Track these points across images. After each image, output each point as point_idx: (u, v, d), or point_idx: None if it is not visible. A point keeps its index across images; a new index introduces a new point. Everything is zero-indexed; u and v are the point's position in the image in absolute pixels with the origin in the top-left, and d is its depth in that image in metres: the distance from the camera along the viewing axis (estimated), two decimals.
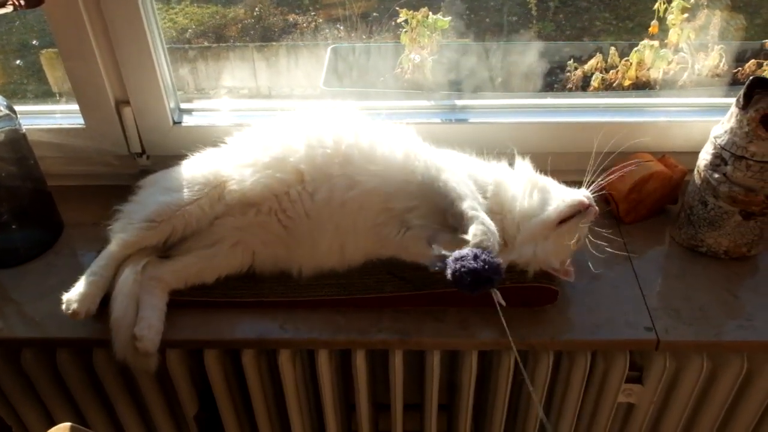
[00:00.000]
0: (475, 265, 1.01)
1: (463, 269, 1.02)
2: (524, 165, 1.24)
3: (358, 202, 1.19)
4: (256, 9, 1.87)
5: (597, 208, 1.16)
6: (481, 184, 1.19)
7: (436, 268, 1.08)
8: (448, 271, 1.04)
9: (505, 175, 1.22)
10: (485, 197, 1.18)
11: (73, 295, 1.13)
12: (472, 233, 1.05)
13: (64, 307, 1.12)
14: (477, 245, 1.04)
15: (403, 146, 1.23)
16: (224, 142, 1.32)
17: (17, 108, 1.29)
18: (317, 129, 1.23)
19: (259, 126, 1.31)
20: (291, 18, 1.87)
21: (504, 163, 1.27)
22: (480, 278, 1.01)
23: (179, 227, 1.21)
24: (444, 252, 1.07)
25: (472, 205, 1.10)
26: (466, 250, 1.04)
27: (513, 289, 1.16)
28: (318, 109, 1.30)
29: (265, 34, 1.88)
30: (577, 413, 1.35)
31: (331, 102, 1.59)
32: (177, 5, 1.83)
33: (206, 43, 1.88)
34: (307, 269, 1.23)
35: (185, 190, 1.21)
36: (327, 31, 1.85)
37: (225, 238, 1.22)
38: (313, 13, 1.85)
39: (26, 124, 1.32)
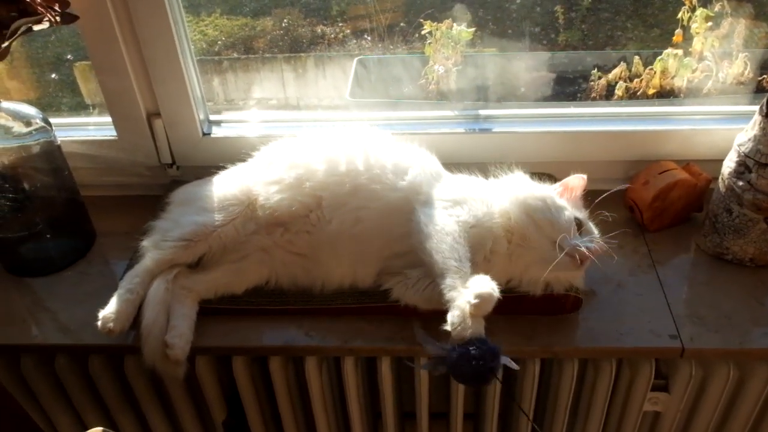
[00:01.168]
0: (469, 369, 0.99)
1: (460, 377, 1.01)
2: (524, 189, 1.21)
3: (363, 237, 1.20)
4: (285, 20, 1.90)
5: (589, 258, 1.11)
6: (489, 210, 1.18)
7: (435, 371, 1.06)
8: (451, 374, 1.03)
9: (507, 203, 1.19)
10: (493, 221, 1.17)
11: (109, 314, 1.15)
12: (449, 322, 1.03)
13: (100, 324, 1.15)
14: (454, 339, 1.02)
15: (409, 185, 1.21)
16: (252, 155, 1.34)
17: (52, 120, 1.32)
18: (334, 153, 1.25)
19: (286, 141, 1.33)
20: (319, 29, 1.90)
21: (514, 177, 1.25)
22: (481, 377, 1.00)
23: (215, 247, 1.23)
24: (434, 350, 1.06)
25: (451, 284, 1.05)
26: (455, 352, 1.01)
27: (538, 297, 1.17)
28: (341, 130, 1.31)
29: (293, 46, 1.90)
30: (603, 422, 1.35)
31: (357, 115, 1.63)
32: (207, 17, 1.87)
33: (235, 55, 1.92)
34: (328, 286, 1.24)
35: (220, 211, 1.23)
36: (354, 42, 1.88)
37: (252, 254, 1.25)
38: (340, 24, 1.88)
39: (61, 136, 1.36)
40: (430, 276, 1.13)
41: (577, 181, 1.20)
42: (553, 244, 1.11)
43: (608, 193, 1.21)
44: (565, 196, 1.20)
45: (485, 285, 1.04)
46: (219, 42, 1.89)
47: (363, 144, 1.26)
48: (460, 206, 1.17)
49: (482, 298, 1.01)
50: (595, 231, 1.19)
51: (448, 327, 1.03)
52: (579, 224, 1.15)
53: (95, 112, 1.67)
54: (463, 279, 1.06)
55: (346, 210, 1.21)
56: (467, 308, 1.01)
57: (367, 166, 1.22)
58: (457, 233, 1.12)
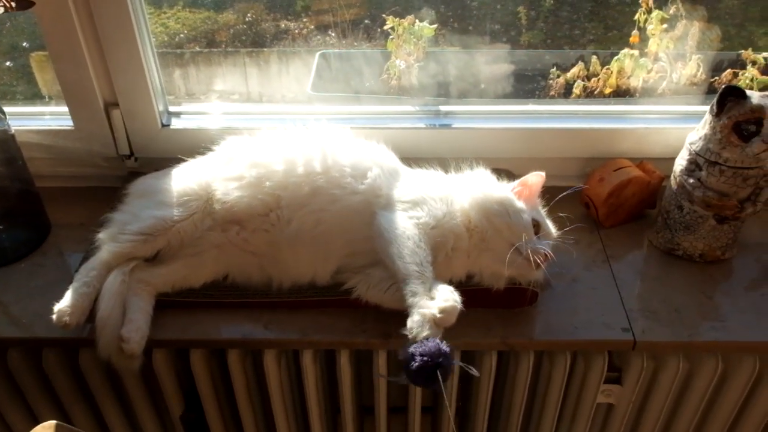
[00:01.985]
0: (415, 367, 0.98)
1: (412, 375, 1.01)
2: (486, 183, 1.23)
3: (323, 238, 1.20)
4: (249, 15, 1.88)
5: (546, 261, 1.14)
6: (449, 209, 1.19)
7: (401, 380, 1.06)
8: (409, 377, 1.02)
9: (467, 204, 1.20)
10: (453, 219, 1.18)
11: (64, 307, 1.13)
12: (408, 327, 1.04)
13: (55, 318, 1.13)
14: (413, 340, 1.02)
15: (368, 188, 1.21)
16: (212, 148, 1.33)
17: (6, 109, 1.30)
18: (292, 154, 1.24)
19: (246, 138, 1.32)
20: (283, 24, 1.89)
21: (475, 174, 1.26)
22: (426, 374, 0.99)
23: (174, 242, 1.22)
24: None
25: (413, 290, 1.07)
26: (407, 351, 1.01)
27: (494, 291, 1.19)
28: (300, 129, 1.30)
29: (256, 40, 1.89)
30: (558, 414, 1.37)
31: (319, 108, 1.62)
32: (169, 9, 1.84)
33: (197, 48, 1.90)
34: (285, 284, 1.24)
35: (180, 206, 1.22)
36: (318, 37, 1.87)
37: (208, 250, 1.24)
38: (304, 20, 1.87)
39: (15, 126, 1.33)
40: (392, 278, 1.14)
41: (536, 179, 1.22)
42: (510, 247, 1.14)
43: (566, 192, 1.24)
44: (523, 195, 1.21)
45: (449, 298, 1.06)
46: (181, 35, 1.87)
47: (321, 144, 1.26)
48: (419, 207, 1.18)
49: (446, 312, 1.04)
50: (553, 230, 1.21)
51: (406, 331, 1.04)
52: (536, 226, 1.17)
53: (51, 103, 1.64)
54: (424, 284, 1.08)
55: (306, 212, 1.21)
56: (428, 316, 1.03)
57: (325, 168, 1.22)
58: (417, 237, 1.13)
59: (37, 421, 1.39)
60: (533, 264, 1.12)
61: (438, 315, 1.03)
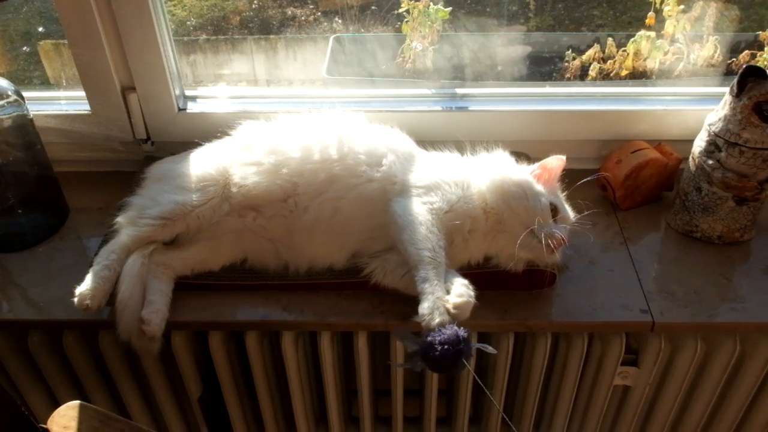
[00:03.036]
0: (436, 355, 0.99)
1: (431, 365, 1.01)
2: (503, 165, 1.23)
3: (341, 226, 1.21)
4: (255, 1, 1.88)
5: (561, 245, 1.14)
6: (464, 193, 1.19)
7: (416, 367, 1.05)
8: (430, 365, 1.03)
9: (484, 186, 1.20)
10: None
11: (86, 290, 1.14)
12: (419, 313, 1.04)
13: (77, 301, 1.13)
14: (424, 329, 1.03)
15: (384, 175, 1.21)
16: (228, 132, 1.33)
17: (25, 94, 1.30)
18: (308, 140, 1.24)
19: (263, 123, 1.32)
20: (290, 11, 1.88)
21: (494, 156, 1.26)
22: (449, 362, 0.99)
23: (192, 226, 1.23)
24: (410, 345, 1.05)
25: (424, 276, 1.08)
26: (425, 343, 1.01)
27: (512, 272, 1.19)
28: (317, 115, 1.30)
29: (264, 27, 1.89)
30: (575, 395, 1.38)
31: (334, 92, 1.62)
32: None
33: (204, 36, 1.89)
34: (302, 269, 1.24)
35: (198, 191, 1.23)
36: (325, 24, 1.87)
37: (226, 234, 1.25)
38: (311, 6, 1.86)
39: (33, 110, 1.34)
40: (408, 264, 1.14)
41: (556, 162, 1.21)
42: (525, 229, 1.14)
43: (584, 180, 1.24)
44: (543, 178, 1.20)
45: (463, 293, 1.07)
46: (188, 22, 1.86)
47: (336, 131, 1.25)
48: (433, 192, 1.18)
49: (460, 308, 1.05)
50: (571, 215, 1.21)
51: (417, 318, 1.04)
52: (554, 210, 1.17)
53: (65, 87, 1.64)
54: (436, 269, 1.08)
55: (323, 199, 1.21)
56: (439, 303, 1.04)
57: (341, 155, 1.22)
58: (430, 222, 1.13)
59: (57, 403, 1.41)
60: (550, 247, 1.12)
61: (452, 311, 1.04)
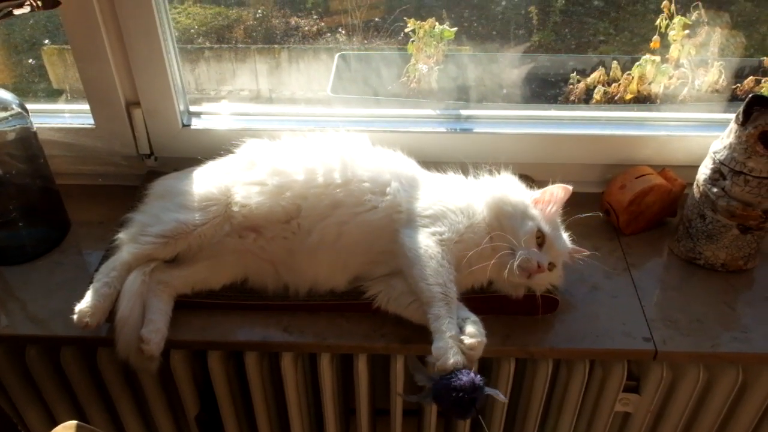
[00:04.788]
0: (450, 399, 0.99)
1: (443, 407, 1.02)
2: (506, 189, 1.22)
3: (344, 251, 1.20)
4: (259, 11, 1.88)
5: (535, 274, 1.13)
6: (471, 222, 1.18)
7: (425, 402, 1.06)
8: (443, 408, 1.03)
9: (489, 195, 1.20)
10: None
11: (85, 307, 1.13)
12: (434, 354, 1.04)
13: (76, 318, 1.13)
14: (438, 369, 1.03)
15: (389, 204, 1.20)
16: (232, 150, 1.32)
17: (29, 107, 1.30)
18: (312, 163, 1.24)
19: (267, 143, 1.32)
20: (293, 21, 1.88)
21: (500, 179, 1.25)
22: (461, 408, 1.00)
23: (194, 245, 1.23)
24: (422, 380, 1.05)
25: (436, 312, 1.08)
26: (439, 384, 1.01)
27: (513, 297, 1.18)
28: (321, 137, 1.30)
29: (270, 37, 1.88)
30: (575, 422, 1.37)
31: (339, 111, 1.61)
32: (180, 5, 1.84)
33: (208, 44, 1.89)
34: (302, 291, 1.24)
35: (200, 210, 1.22)
36: (329, 35, 1.87)
37: (226, 254, 1.24)
38: (315, 17, 1.86)
39: (37, 123, 1.34)
40: (414, 293, 1.14)
41: (560, 192, 1.19)
42: (509, 250, 1.14)
43: (583, 215, 1.23)
44: (540, 205, 1.19)
45: (475, 334, 1.07)
46: (192, 30, 1.86)
47: (340, 153, 1.25)
48: (440, 222, 1.17)
49: (474, 349, 1.05)
50: (566, 245, 1.20)
51: (431, 358, 1.04)
52: (541, 237, 1.15)
53: (67, 99, 1.64)
54: (448, 305, 1.08)
55: (327, 223, 1.20)
56: (453, 344, 1.04)
57: (345, 180, 1.21)
58: (440, 255, 1.13)
59: (53, 419, 1.40)
60: (519, 270, 1.12)
61: (466, 351, 1.04)
